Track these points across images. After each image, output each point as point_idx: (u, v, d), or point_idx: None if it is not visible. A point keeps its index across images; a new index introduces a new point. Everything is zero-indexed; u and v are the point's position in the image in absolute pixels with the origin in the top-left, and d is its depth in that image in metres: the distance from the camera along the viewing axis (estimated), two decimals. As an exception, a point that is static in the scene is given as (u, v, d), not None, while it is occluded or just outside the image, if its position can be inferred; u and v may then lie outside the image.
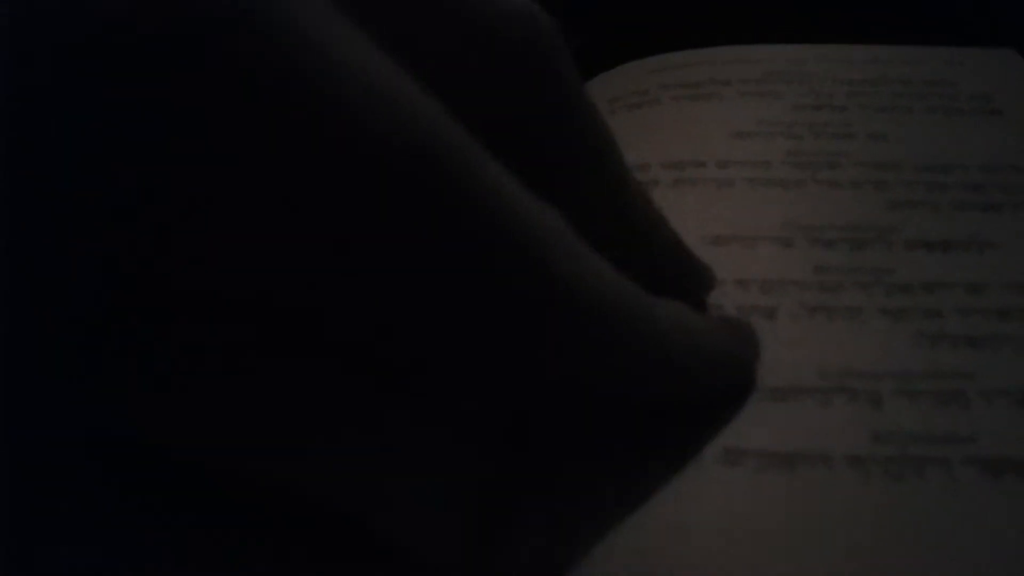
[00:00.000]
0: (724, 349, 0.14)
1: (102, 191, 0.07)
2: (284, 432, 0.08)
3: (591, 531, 0.12)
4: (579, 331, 0.10)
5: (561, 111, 0.13)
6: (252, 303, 0.08)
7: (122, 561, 0.08)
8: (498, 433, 0.10)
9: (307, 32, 0.08)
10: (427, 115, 0.09)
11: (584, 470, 0.12)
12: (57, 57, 0.07)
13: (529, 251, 0.09)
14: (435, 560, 0.10)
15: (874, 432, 0.19)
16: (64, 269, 0.07)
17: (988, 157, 0.26)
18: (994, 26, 0.33)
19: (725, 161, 0.27)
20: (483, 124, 0.12)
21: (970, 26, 0.33)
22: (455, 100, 0.11)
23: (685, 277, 0.17)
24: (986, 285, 0.22)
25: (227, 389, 0.08)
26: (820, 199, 0.25)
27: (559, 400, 0.11)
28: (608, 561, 0.16)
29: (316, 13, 0.08)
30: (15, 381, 0.07)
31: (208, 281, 0.07)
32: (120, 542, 0.08)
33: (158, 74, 0.07)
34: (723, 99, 0.30)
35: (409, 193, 0.08)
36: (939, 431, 0.18)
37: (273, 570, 0.09)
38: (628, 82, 0.33)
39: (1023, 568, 0.16)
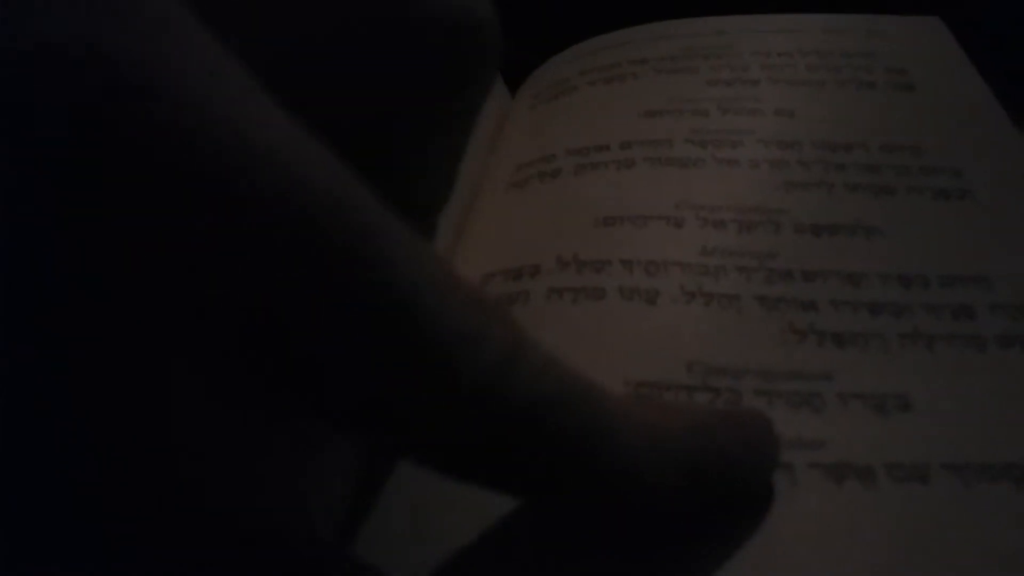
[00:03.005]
0: None
1: None
2: None
3: None
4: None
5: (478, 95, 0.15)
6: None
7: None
8: None
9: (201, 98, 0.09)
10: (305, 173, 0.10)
11: None
12: None
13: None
14: None
15: None
16: None
17: (891, 136, 0.25)
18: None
19: (628, 142, 0.27)
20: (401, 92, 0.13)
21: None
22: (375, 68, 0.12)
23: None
24: (864, 275, 0.21)
25: None
26: (716, 178, 0.25)
27: None
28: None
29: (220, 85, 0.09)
30: None
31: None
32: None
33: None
34: (637, 78, 0.30)
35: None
36: (789, 435, 0.18)
37: None
38: (550, 75, 0.33)
39: (860, 571, 0.16)
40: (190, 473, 0.10)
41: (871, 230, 0.23)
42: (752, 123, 0.27)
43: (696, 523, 0.15)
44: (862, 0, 0.32)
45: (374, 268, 0.10)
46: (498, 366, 0.11)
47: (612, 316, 0.21)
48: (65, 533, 0.09)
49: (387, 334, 0.10)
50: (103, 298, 0.09)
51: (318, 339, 0.10)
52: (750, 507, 0.16)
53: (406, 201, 0.13)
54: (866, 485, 0.17)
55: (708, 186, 0.25)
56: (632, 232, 0.24)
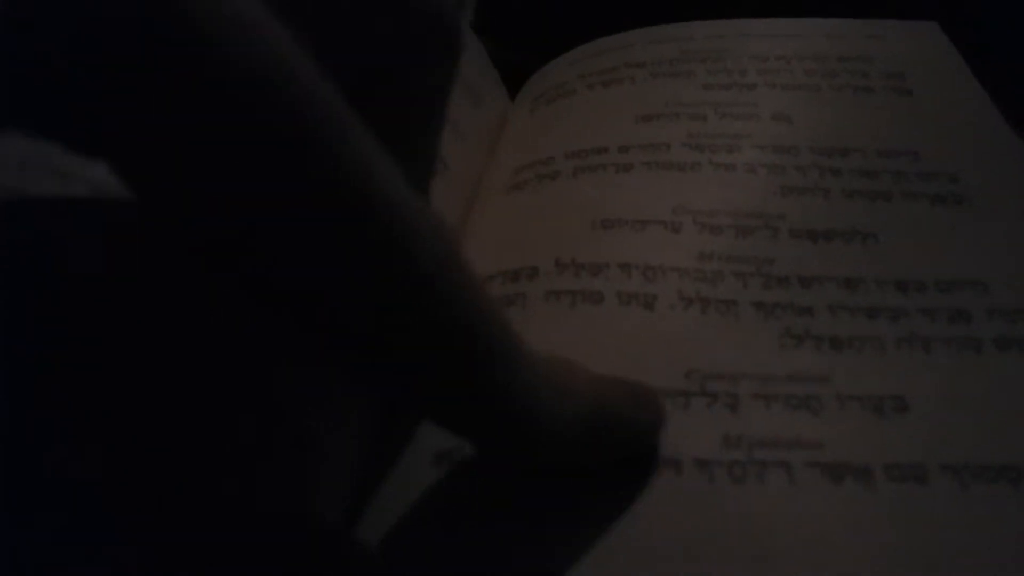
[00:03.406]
0: None
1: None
2: None
3: None
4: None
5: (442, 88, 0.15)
6: None
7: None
8: None
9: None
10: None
11: None
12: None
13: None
14: None
15: (725, 435, 0.18)
16: None
17: (888, 141, 0.25)
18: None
19: (626, 146, 0.27)
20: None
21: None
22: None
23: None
24: (861, 280, 0.21)
25: None
26: (713, 183, 0.25)
27: None
28: None
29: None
30: None
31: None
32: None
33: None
34: (635, 82, 0.30)
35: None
36: (787, 436, 0.18)
37: None
38: (550, 78, 0.33)
39: (858, 570, 0.16)
40: (197, 457, 0.10)
41: (868, 235, 0.23)
42: (749, 128, 0.27)
43: (589, 481, 0.17)
44: (860, 5, 0.32)
45: (334, 162, 0.10)
46: (443, 262, 0.12)
47: (610, 320, 0.21)
48: (75, 518, 0.10)
49: (348, 220, 0.11)
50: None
51: (283, 228, 0.10)
52: (636, 470, 0.17)
53: None
54: (864, 485, 0.17)
55: (705, 191, 0.25)
56: (630, 236, 0.24)
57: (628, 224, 0.24)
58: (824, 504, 0.17)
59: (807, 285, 0.22)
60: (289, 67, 0.10)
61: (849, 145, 0.25)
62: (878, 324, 0.20)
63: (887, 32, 0.30)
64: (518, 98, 0.34)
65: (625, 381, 0.18)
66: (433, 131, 0.16)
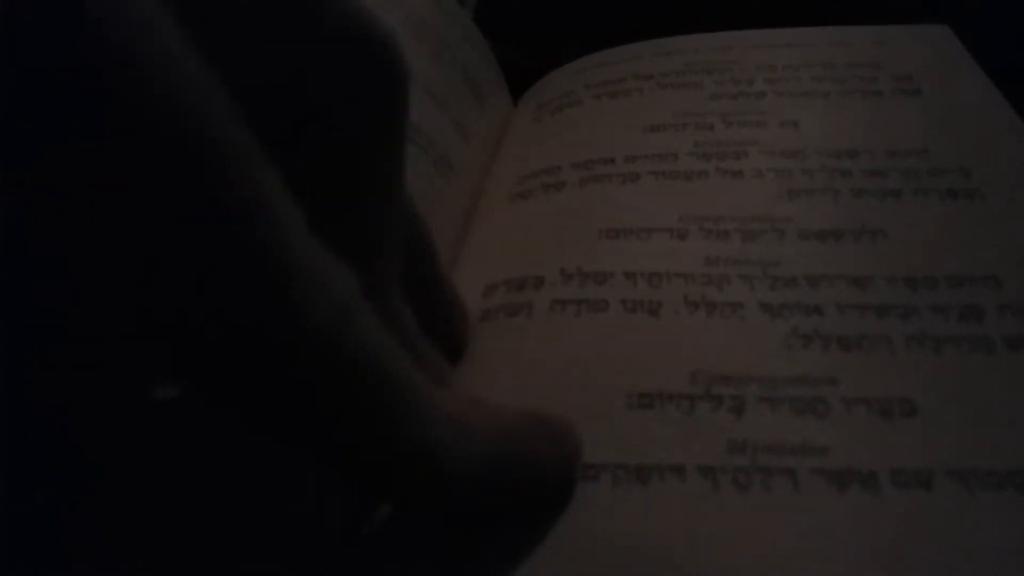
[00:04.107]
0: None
1: None
2: None
3: None
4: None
5: (391, 131, 0.14)
6: None
7: None
8: None
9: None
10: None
11: None
12: None
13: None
14: None
15: (730, 441, 0.18)
16: None
17: (897, 141, 0.25)
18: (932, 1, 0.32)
19: (633, 156, 0.27)
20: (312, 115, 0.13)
21: (909, 1, 0.32)
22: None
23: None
24: (870, 278, 0.21)
25: None
26: (720, 190, 0.25)
27: None
28: None
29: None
30: None
31: None
32: None
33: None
34: (643, 93, 0.30)
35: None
36: (793, 441, 0.18)
37: None
38: (556, 86, 0.33)
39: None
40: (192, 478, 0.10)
41: (877, 233, 0.22)
42: (756, 135, 0.27)
43: (498, 520, 0.16)
44: (870, 11, 0.31)
45: (228, 200, 0.10)
46: (338, 314, 0.11)
47: (615, 328, 0.21)
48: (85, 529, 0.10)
49: (236, 263, 0.10)
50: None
51: (175, 272, 0.10)
52: (551, 505, 0.17)
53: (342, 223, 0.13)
54: (869, 492, 0.16)
55: (712, 197, 0.25)
56: (635, 244, 0.24)
57: (634, 233, 0.24)
58: (829, 513, 0.16)
59: (815, 284, 0.21)
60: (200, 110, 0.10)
61: (858, 146, 0.25)
62: (887, 323, 0.20)
63: (896, 37, 0.30)
64: (521, 103, 0.35)
65: (538, 415, 0.17)
66: (386, 175, 0.15)
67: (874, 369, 0.19)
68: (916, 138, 0.25)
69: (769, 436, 0.18)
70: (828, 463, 0.17)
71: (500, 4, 0.39)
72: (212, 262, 0.10)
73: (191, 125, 0.10)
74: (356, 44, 0.13)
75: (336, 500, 0.15)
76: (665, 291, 0.22)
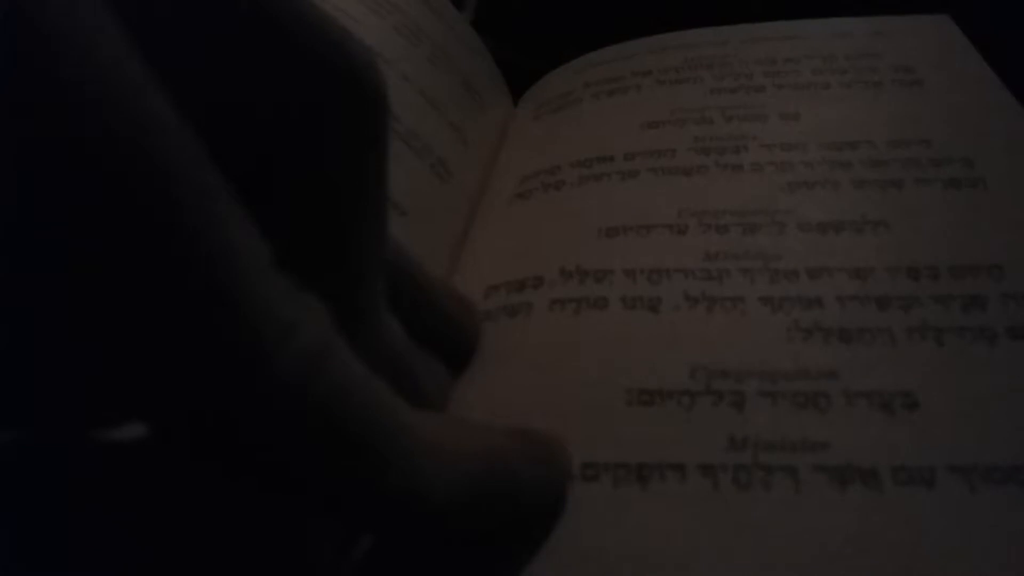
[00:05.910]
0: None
1: None
2: None
3: None
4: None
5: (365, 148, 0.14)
6: None
7: None
8: None
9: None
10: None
11: None
12: None
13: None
14: None
15: (730, 438, 0.18)
16: None
17: (899, 131, 0.25)
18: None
19: (632, 153, 0.27)
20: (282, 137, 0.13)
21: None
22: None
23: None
24: (871, 270, 0.21)
25: None
26: (720, 184, 0.25)
27: None
28: None
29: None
30: None
31: None
32: None
33: None
34: (641, 90, 0.30)
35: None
36: (794, 437, 0.17)
37: None
38: (555, 86, 0.33)
39: None
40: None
41: (879, 223, 0.22)
42: (756, 128, 0.26)
43: (486, 540, 0.16)
44: (870, 2, 0.31)
45: (187, 242, 0.09)
46: (307, 359, 0.11)
47: (615, 325, 0.21)
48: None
49: (198, 310, 0.10)
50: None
51: (132, 318, 0.09)
52: (540, 523, 0.17)
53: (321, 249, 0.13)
54: (871, 489, 0.16)
55: (711, 192, 0.24)
56: (635, 241, 0.24)
57: (633, 230, 0.24)
58: (830, 512, 0.16)
59: (815, 276, 0.21)
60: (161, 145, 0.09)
61: (858, 138, 0.25)
62: (889, 314, 0.20)
63: (895, 28, 0.30)
64: (521, 103, 0.35)
65: (525, 433, 0.17)
66: (366, 198, 0.14)
67: (875, 362, 0.19)
68: (918, 128, 0.25)
69: (769, 431, 0.18)
70: (829, 459, 0.17)
71: (499, 5, 0.39)
72: (155, 305, 0.09)
73: (140, 160, 0.09)
74: (332, 70, 0.13)
75: (322, 528, 0.15)
76: (665, 287, 0.22)
